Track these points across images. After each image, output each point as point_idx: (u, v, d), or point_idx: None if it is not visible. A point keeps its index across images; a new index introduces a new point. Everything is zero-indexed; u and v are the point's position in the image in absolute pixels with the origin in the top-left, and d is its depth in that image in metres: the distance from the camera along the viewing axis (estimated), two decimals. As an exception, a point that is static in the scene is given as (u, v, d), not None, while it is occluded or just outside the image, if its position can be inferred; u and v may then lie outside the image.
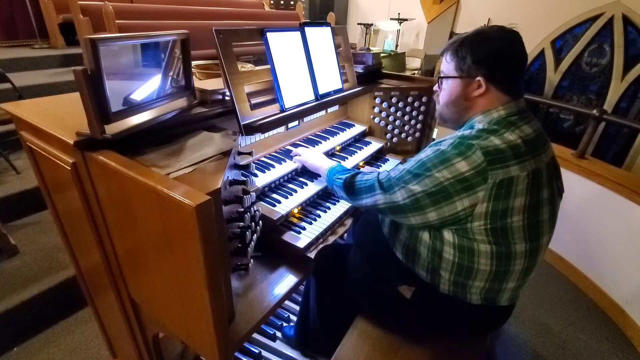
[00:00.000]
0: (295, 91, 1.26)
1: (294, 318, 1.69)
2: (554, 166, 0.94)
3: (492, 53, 0.89)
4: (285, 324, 1.63)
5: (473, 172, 0.82)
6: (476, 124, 0.93)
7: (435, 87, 1.05)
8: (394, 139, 1.83)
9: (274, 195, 1.23)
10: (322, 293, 1.34)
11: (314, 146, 1.51)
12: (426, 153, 0.90)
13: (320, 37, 1.41)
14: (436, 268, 0.97)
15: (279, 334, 1.55)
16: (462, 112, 0.98)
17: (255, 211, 0.97)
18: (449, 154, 0.85)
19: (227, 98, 1.09)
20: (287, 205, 1.19)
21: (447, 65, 0.97)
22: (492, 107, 0.92)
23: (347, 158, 1.56)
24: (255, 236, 0.96)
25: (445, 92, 0.99)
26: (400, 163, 1.50)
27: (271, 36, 1.16)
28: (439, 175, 0.85)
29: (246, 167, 0.97)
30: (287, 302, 1.80)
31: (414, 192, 0.88)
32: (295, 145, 1.51)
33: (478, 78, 0.91)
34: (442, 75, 1.00)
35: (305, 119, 1.59)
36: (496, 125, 0.88)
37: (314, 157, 1.31)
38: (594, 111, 2.25)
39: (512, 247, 0.88)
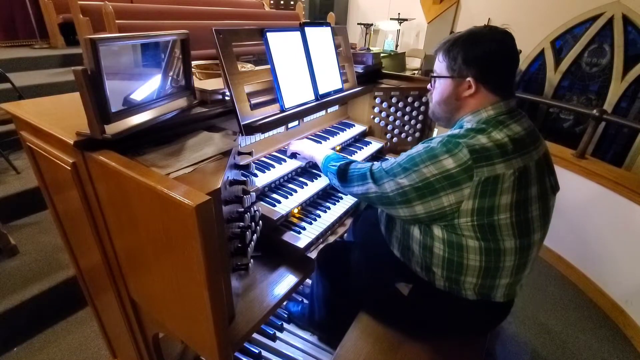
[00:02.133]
0: (295, 91, 1.26)
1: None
2: (545, 163, 0.95)
3: (482, 54, 0.90)
4: (288, 301, 1.69)
5: (459, 169, 0.83)
6: (465, 123, 0.95)
7: (429, 86, 1.06)
8: (394, 139, 1.83)
9: (274, 195, 1.23)
10: (325, 289, 1.35)
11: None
12: (417, 149, 0.93)
13: (320, 37, 1.41)
14: (429, 264, 0.98)
15: (279, 334, 1.55)
16: (453, 111, 1.00)
17: (255, 211, 0.97)
18: (437, 151, 0.87)
19: (227, 98, 1.09)
20: (287, 205, 1.19)
21: (439, 64, 0.98)
22: (482, 107, 0.93)
23: (347, 158, 1.56)
24: (255, 236, 0.96)
25: (437, 91, 1.01)
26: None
27: (271, 36, 1.16)
28: (425, 171, 0.87)
29: (246, 167, 0.98)
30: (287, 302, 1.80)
31: (402, 185, 0.91)
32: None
33: (468, 79, 0.92)
34: (434, 74, 1.01)
35: (305, 119, 1.59)
36: (484, 124, 0.90)
37: (308, 147, 1.33)
38: (594, 111, 2.25)
39: (500, 244, 0.89)
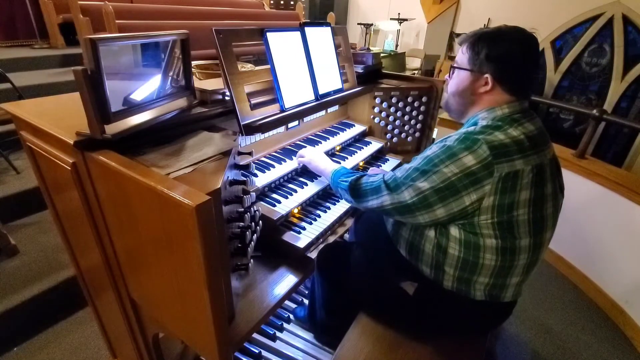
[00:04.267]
0: (295, 91, 1.26)
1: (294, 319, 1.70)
2: (555, 163, 0.96)
3: (504, 54, 0.90)
4: (296, 306, 1.70)
5: (479, 165, 0.83)
6: (480, 120, 0.95)
7: (447, 76, 1.06)
8: (394, 139, 1.82)
9: (274, 195, 1.23)
10: (325, 290, 1.35)
11: (314, 146, 1.51)
12: (432, 150, 0.91)
13: (320, 37, 1.41)
14: (440, 264, 0.98)
15: (279, 334, 1.56)
16: (467, 105, 1.00)
17: (255, 211, 0.97)
18: (456, 149, 0.86)
19: (227, 98, 1.09)
20: (287, 205, 1.19)
21: (462, 56, 0.98)
22: (497, 104, 0.94)
23: (347, 158, 1.56)
24: (255, 236, 0.96)
25: (454, 82, 1.01)
26: (401, 163, 1.50)
27: (271, 36, 1.16)
28: (446, 171, 0.86)
29: (246, 167, 0.97)
30: (287, 302, 1.80)
31: (422, 189, 0.89)
32: (295, 145, 1.51)
33: (486, 75, 0.92)
34: (455, 65, 1.01)
35: (305, 119, 1.59)
36: (500, 121, 0.90)
37: (318, 159, 1.30)
38: (594, 111, 2.25)
39: (517, 242, 0.89)
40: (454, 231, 0.92)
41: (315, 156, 1.31)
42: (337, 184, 1.17)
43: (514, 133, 0.86)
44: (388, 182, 0.98)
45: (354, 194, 1.09)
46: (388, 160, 1.74)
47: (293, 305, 1.79)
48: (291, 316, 1.70)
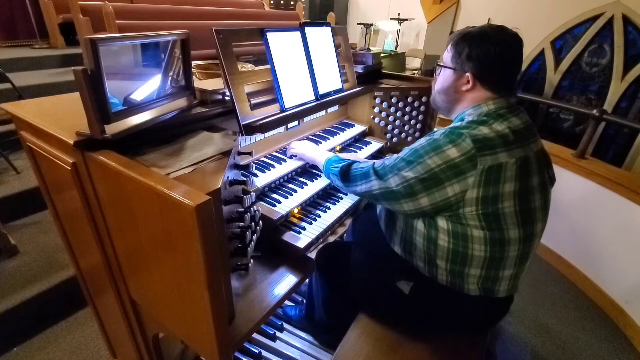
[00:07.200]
0: (295, 91, 1.26)
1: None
2: (543, 156, 0.97)
3: (485, 54, 0.92)
4: (288, 303, 1.69)
5: (463, 158, 0.85)
6: (466, 116, 0.97)
7: (435, 73, 1.09)
8: (394, 139, 1.83)
9: (274, 195, 1.23)
10: (324, 290, 1.35)
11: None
12: (419, 142, 0.94)
13: (320, 37, 1.41)
14: (432, 257, 0.99)
15: (279, 334, 1.55)
16: (452, 102, 1.03)
17: (255, 211, 0.97)
18: (441, 142, 0.89)
19: (227, 98, 1.09)
20: (287, 205, 1.19)
21: (447, 54, 1.01)
22: (482, 101, 0.96)
23: (348, 160, 1.56)
24: (255, 236, 0.96)
25: (439, 79, 1.05)
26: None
27: (271, 36, 1.16)
28: (430, 162, 0.88)
29: (246, 167, 0.97)
30: (286, 302, 1.80)
31: (407, 178, 0.92)
32: (295, 145, 1.51)
33: (467, 74, 0.95)
34: (440, 63, 1.04)
35: (305, 119, 1.59)
36: (485, 117, 0.92)
37: (310, 149, 1.34)
38: (594, 111, 2.25)
39: (505, 233, 0.90)
40: (442, 222, 0.93)
41: (306, 147, 1.36)
42: (329, 170, 1.21)
43: (499, 127, 0.89)
44: (377, 169, 1.02)
45: (344, 179, 1.13)
46: (389, 157, 1.74)
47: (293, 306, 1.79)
48: (285, 324, 1.68)
